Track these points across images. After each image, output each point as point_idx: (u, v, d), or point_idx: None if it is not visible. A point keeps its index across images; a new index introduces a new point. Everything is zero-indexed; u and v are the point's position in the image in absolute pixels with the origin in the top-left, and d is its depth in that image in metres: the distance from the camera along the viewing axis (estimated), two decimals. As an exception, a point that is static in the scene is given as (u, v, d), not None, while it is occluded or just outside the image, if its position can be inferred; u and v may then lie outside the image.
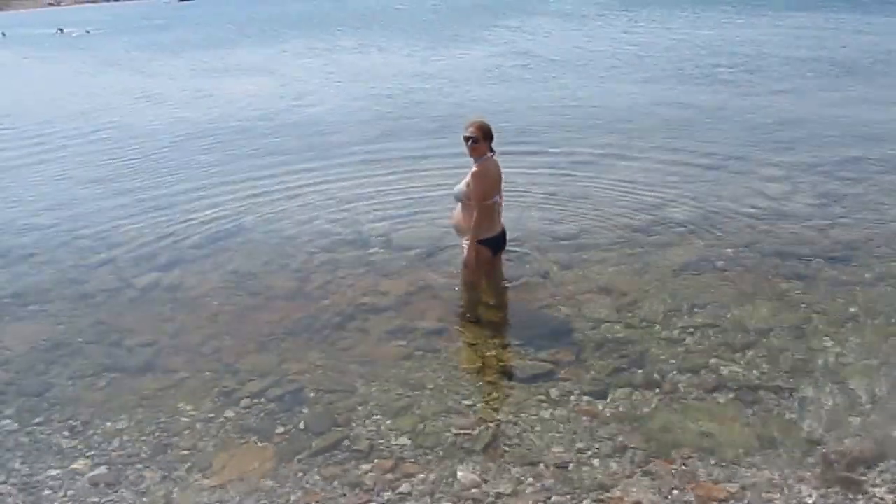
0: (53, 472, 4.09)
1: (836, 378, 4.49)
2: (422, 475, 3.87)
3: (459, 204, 5.65)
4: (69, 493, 3.93)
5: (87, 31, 41.82)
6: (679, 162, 9.21)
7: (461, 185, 5.54)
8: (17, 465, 4.18)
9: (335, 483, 3.86)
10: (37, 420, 4.58)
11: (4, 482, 4.05)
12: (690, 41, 22.44)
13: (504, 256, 6.12)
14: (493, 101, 14.54)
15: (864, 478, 3.68)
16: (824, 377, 4.51)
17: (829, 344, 4.87)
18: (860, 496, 3.56)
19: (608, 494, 3.66)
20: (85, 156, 11.83)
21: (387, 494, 3.76)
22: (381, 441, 4.15)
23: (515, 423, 4.23)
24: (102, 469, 4.09)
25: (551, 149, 10.20)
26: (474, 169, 5.46)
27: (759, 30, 24.46)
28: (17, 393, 4.91)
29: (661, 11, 33.00)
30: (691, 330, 5.14)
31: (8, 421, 4.60)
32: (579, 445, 4.01)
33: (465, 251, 5.64)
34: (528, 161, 9.51)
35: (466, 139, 5.42)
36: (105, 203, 8.94)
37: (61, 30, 43.80)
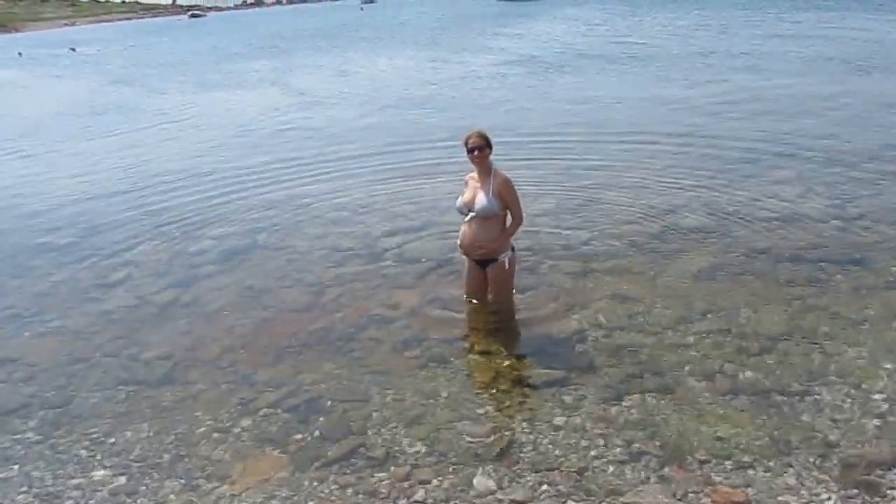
0: (75, 483, 4.16)
1: (853, 381, 4.47)
2: (437, 482, 3.89)
3: (475, 221, 5.30)
4: (90, 503, 3.99)
5: (99, 50, 42.57)
6: (690, 166, 9.19)
7: (487, 199, 5.18)
8: (39, 476, 4.25)
9: (350, 491, 3.89)
10: (58, 432, 4.66)
11: (27, 492, 4.12)
12: (695, 44, 22.42)
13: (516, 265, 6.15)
14: (498, 109, 14.61)
15: (882, 480, 3.65)
16: (840, 380, 4.49)
17: (845, 347, 4.84)
18: (878, 499, 3.54)
19: (623, 500, 3.66)
20: (99, 173, 12.01)
21: (402, 502, 3.78)
22: (396, 449, 4.18)
23: (530, 430, 4.24)
24: (122, 479, 4.15)
25: (561, 156, 10.24)
26: (499, 178, 5.25)
27: (764, 30, 24.41)
28: (39, 406, 5.00)
29: (666, 13, 33.00)
30: (705, 335, 5.13)
31: (31, 433, 4.68)
32: (594, 452, 4.02)
33: (509, 263, 5.47)
34: (536, 168, 9.55)
35: (472, 149, 5.22)
36: (121, 220, 9.06)
37: (73, 49, 44.77)
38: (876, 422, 4.09)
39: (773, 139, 10.26)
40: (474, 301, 5.76)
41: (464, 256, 5.68)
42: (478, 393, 4.70)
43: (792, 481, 3.69)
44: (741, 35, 24.33)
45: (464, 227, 5.44)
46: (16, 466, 4.36)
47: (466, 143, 5.28)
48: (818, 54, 18.49)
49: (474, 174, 5.38)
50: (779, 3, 33.17)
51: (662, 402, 4.41)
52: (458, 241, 5.55)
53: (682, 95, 14.34)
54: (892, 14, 26.36)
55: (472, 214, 5.32)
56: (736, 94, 14.12)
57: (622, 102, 14.17)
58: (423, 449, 4.16)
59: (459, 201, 5.41)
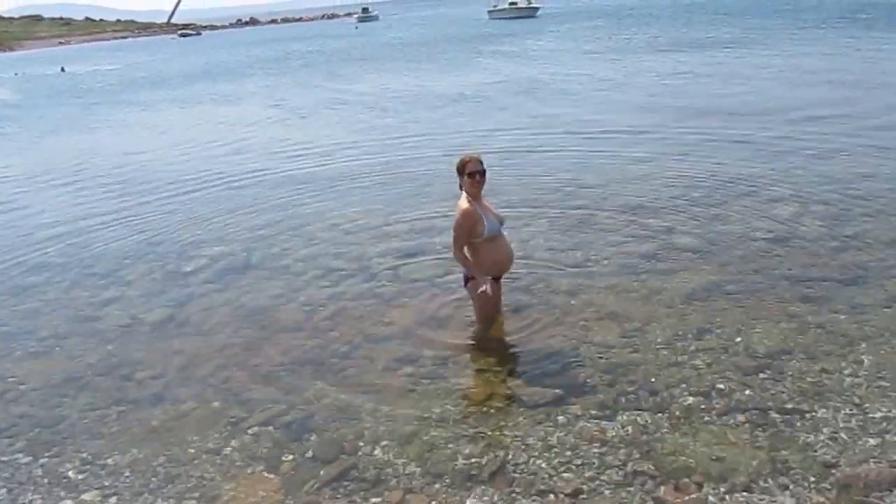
0: (64, 505, 4.10)
1: (850, 400, 4.44)
2: (430, 505, 3.84)
3: (501, 236, 5.43)
4: (79, 526, 3.94)
5: (93, 69, 42.96)
6: (685, 185, 9.22)
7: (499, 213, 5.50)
8: (29, 498, 4.19)
9: (344, 514, 3.84)
10: (49, 453, 4.61)
11: (15, 516, 4.06)
12: (684, 61, 22.60)
13: (511, 283, 6.14)
14: (498, 126, 14.66)
15: (880, 502, 3.62)
16: (838, 399, 4.46)
17: (842, 366, 4.81)
18: (876, 521, 3.51)
19: (619, 522, 3.62)
20: (93, 190, 11.99)
21: (396, 525, 3.74)
22: (389, 470, 4.14)
23: (524, 450, 4.19)
24: (113, 500, 4.10)
25: (553, 174, 10.26)
26: (487, 200, 5.42)
27: (757, 50, 24.63)
28: (30, 426, 4.94)
29: (653, 29, 33.29)
30: (700, 354, 5.11)
31: (21, 454, 4.63)
32: (588, 473, 3.98)
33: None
34: (529, 187, 9.57)
35: (474, 173, 5.19)
36: (114, 239, 9.03)
37: (63, 68, 45.27)
38: (874, 441, 4.06)
39: (770, 157, 10.31)
40: (496, 318, 5.74)
41: (492, 279, 5.41)
42: (471, 412, 4.66)
43: (789, 503, 3.65)
44: (730, 53, 24.56)
45: (499, 247, 5.37)
46: (4, 488, 4.29)
47: (464, 167, 5.21)
48: (809, 71, 18.67)
49: (466, 198, 5.29)
50: (764, 22, 33.52)
51: (657, 421, 4.37)
52: (492, 268, 5.38)
53: (673, 115, 14.42)
54: (883, 32, 26.66)
55: (503, 229, 5.45)
56: (730, 112, 14.21)
57: (614, 122, 14.25)
58: (417, 470, 4.12)
59: (492, 220, 5.27)
